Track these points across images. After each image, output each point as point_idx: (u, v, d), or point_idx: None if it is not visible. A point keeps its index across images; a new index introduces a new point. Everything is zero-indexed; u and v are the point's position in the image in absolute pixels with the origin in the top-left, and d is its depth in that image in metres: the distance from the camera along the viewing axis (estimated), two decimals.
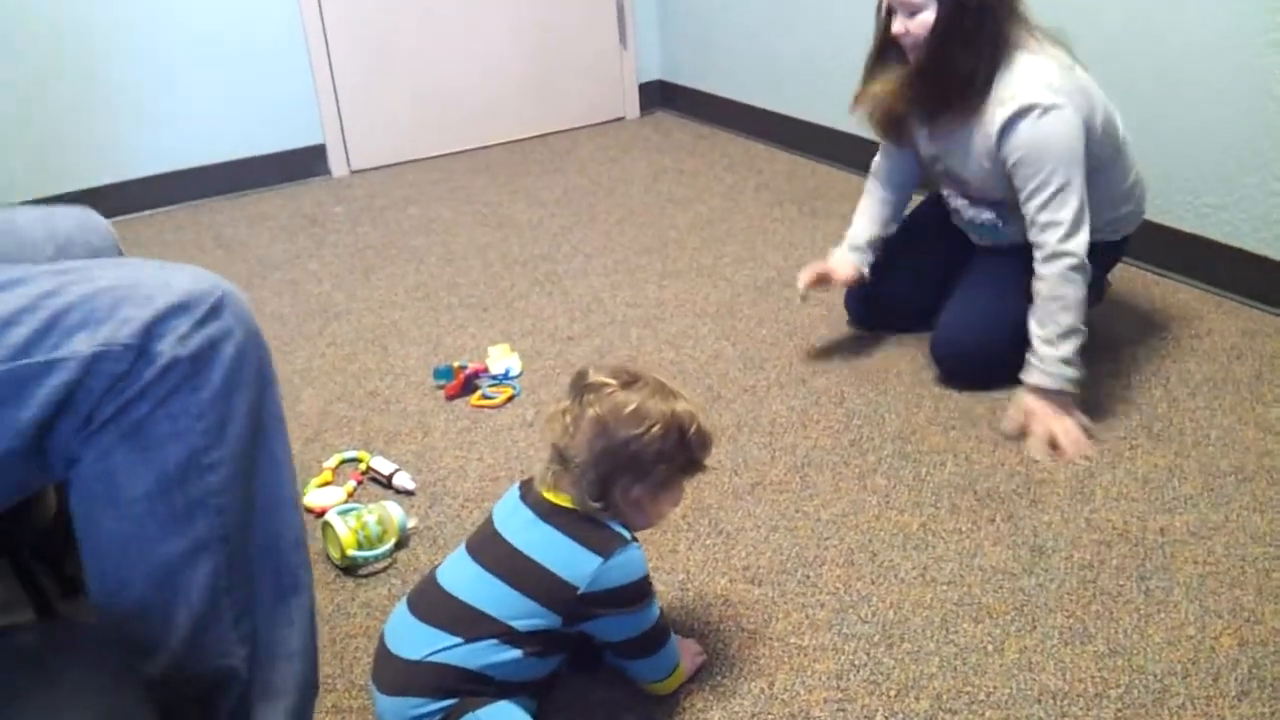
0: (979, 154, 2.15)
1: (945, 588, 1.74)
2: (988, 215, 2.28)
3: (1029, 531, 1.85)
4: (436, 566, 1.51)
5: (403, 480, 2.07)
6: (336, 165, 3.97)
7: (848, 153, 3.65)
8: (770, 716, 1.52)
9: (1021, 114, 2.03)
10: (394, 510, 1.91)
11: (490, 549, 1.45)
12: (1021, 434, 2.10)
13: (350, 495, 2.05)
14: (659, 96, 4.52)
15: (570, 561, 1.40)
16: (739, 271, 2.95)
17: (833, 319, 2.64)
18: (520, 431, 2.24)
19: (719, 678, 1.58)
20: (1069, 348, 2.06)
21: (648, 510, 1.47)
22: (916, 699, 1.53)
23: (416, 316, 2.82)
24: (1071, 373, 2.07)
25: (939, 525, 1.89)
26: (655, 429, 1.40)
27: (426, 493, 2.07)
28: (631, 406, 1.40)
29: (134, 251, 1.81)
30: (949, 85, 2.10)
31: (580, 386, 1.43)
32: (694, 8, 4.22)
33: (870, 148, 3.54)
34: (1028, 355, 2.09)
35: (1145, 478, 1.97)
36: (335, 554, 1.87)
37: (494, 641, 1.38)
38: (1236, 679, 1.53)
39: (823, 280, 2.42)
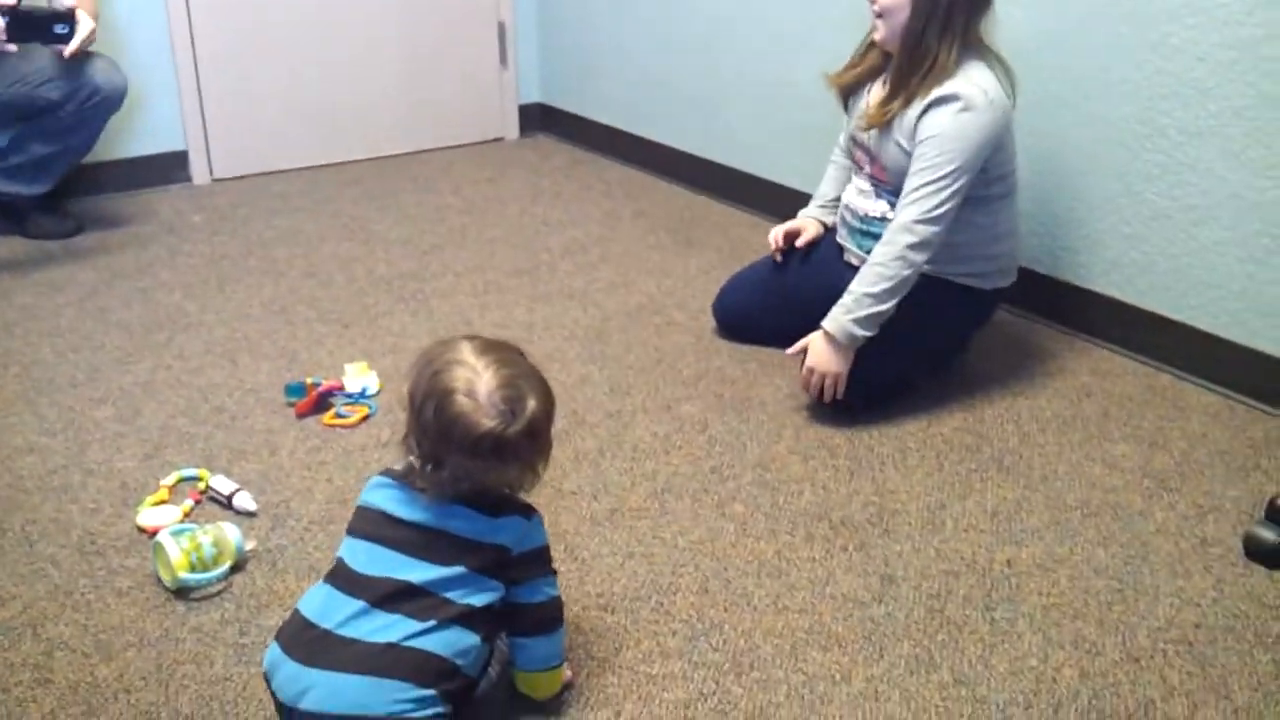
0: (900, 133, 2.25)
1: (797, 615, 1.73)
2: (881, 207, 2.35)
3: (880, 560, 1.86)
4: (344, 558, 1.46)
5: (243, 501, 1.98)
6: (198, 172, 3.83)
7: (724, 185, 3.68)
8: None
9: (947, 100, 2.17)
10: (231, 532, 1.82)
11: (411, 536, 1.43)
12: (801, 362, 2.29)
13: (186, 515, 1.95)
14: (539, 119, 4.49)
15: (496, 528, 1.43)
16: (610, 297, 2.93)
17: (701, 347, 2.63)
18: (374, 452, 2.17)
19: (565, 707, 1.54)
20: (866, 312, 2.20)
21: None
22: None
23: (271, 330, 2.72)
24: (857, 332, 2.21)
25: (794, 553, 1.88)
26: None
27: (269, 514, 1.98)
28: (544, 384, 1.44)
29: None
30: (918, 63, 2.21)
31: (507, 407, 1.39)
32: (575, 32, 4.21)
33: (751, 183, 3.60)
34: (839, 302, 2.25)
35: (994, 510, 2.01)
36: (166, 576, 1.77)
37: (460, 626, 1.40)
38: (1077, 710, 1.55)
39: (790, 237, 2.58)
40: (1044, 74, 2.59)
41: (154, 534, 1.86)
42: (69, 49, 2.96)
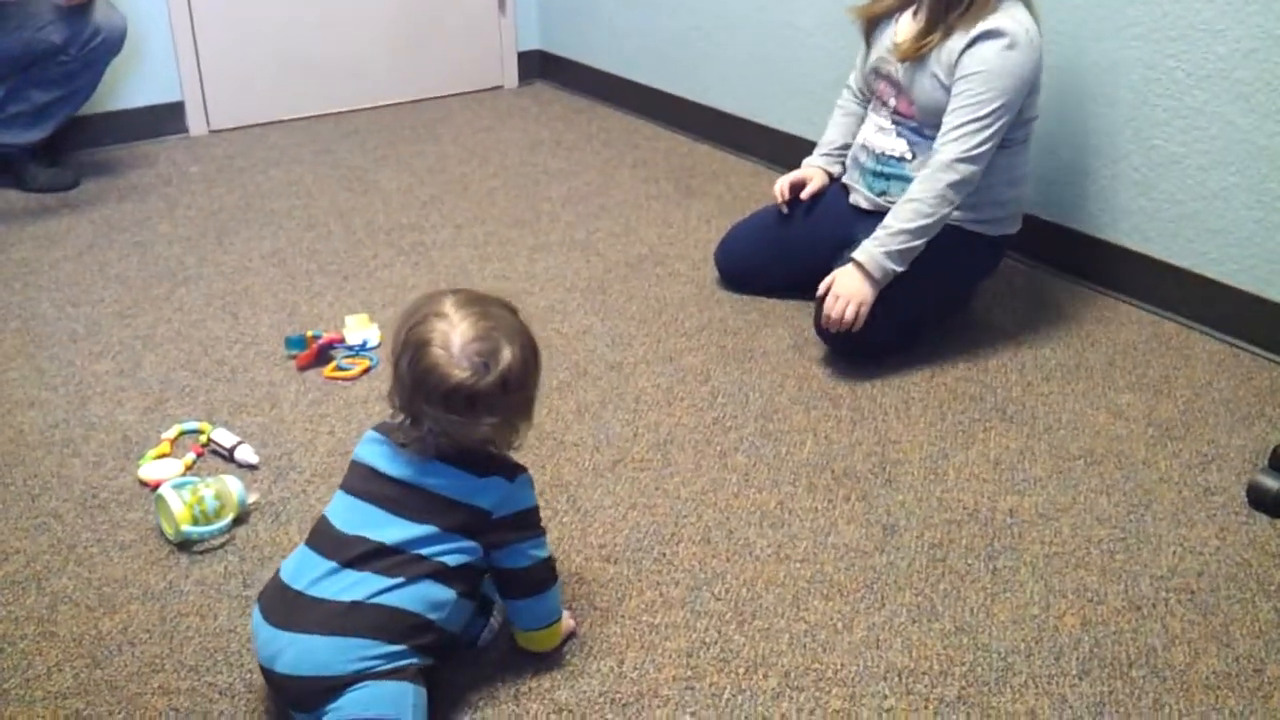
0: (938, 66, 2.22)
1: (799, 565, 1.73)
2: (900, 146, 2.33)
3: (882, 510, 1.86)
4: (328, 515, 1.46)
5: (245, 454, 1.97)
6: (195, 124, 3.79)
7: (725, 132, 3.64)
8: (618, 695, 1.48)
9: (993, 36, 2.14)
10: (233, 485, 1.82)
11: (392, 492, 1.42)
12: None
13: (188, 468, 1.95)
14: (538, 67, 4.44)
15: (477, 489, 1.42)
16: (612, 247, 2.91)
17: (703, 297, 2.62)
18: (376, 405, 2.16)
19: (568, 656, 1.55)
20: (900, 246, 2.18)
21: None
22: (765, 676, 1.51)
23: (271, 283, 2.70)
24: (888, 265, 2.19)
25: (796, 503, 1.88)
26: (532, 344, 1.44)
27: (271, 467, 1.98)
28: (526, 338, 1.43)
29: None
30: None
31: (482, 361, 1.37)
32: None
33: (752, 131, 3.55)
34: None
35: (997, 459, 2.00)
36: (169, 529, 1.77)
37: (431, 581, 1.38)
38: (1078, 658, 1.55)
39: (796, 188, 2.56)
40: (1051, 15, 2.55)
41: (156, 487, 1.85)
42: None
